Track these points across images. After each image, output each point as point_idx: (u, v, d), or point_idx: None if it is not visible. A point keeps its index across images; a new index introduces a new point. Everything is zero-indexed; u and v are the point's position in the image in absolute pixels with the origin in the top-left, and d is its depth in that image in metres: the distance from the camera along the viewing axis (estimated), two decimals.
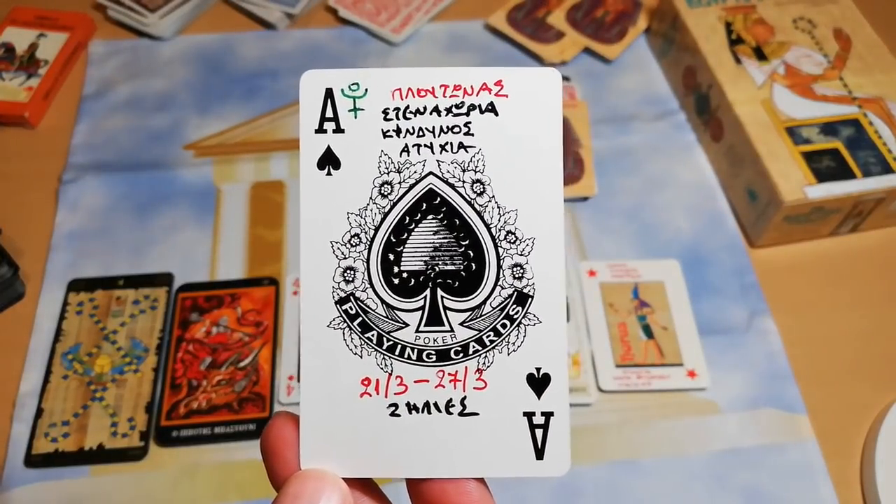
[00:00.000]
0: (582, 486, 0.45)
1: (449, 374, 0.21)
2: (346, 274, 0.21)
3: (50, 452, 0.44)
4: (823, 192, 0.51)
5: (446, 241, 0.22)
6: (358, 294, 0.21)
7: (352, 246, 0.21)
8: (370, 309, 0.21)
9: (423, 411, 0.21)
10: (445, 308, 0.21)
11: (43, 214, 0.55)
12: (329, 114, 0.21)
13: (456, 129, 0.21)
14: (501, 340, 0.21)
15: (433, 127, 0.21)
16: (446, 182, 0.21)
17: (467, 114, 0.21)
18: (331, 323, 0.21)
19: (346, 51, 0.67)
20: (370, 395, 0.21)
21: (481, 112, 0.21)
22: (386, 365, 0.21)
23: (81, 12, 0.67)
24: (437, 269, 0.21)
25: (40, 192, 0.57)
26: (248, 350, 0.49)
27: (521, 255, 0.21)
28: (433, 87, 0.21)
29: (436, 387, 0.21)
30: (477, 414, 0.21)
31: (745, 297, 0.52)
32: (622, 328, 0.50)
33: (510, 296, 0.21)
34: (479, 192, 0.21)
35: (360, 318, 0.21)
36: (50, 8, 0.66)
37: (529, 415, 0.21)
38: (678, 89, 0.64)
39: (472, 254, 0.21)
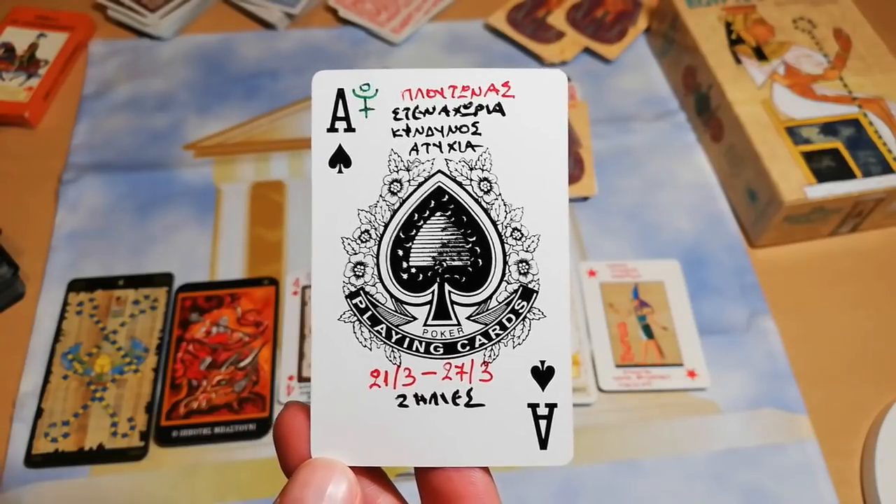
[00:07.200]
0: (582, 486, 0.45)
1: (456, 367, 0.22)
2: (356, 269, 0.22)
3: (50, 452, 0.44)
4: (823, 192, 0.51)
5: (454, 237, 0.22)
6: (368, 289, 0.22)
7: (362, 242, 0.22)
8: (379, 303, 0.22)
9: (430, 402, 0.22)
10: (453, 302, 0.22)
11: (43, 214, 0.55)
12: (340, 113, 0.22)
13: (464, 129, 0.22)
14: (507, 334, 0.22)
15: (442, 126, 0.22)
16: (454, 180, 0.22)
17: (475, 114, 0.22)
18: (341, 316, 0.22)
19: (346, 51, 0.67)
20: (379, 387, 0.22)
21: (489, 112, 0.22)
22: (394, 357, 0.22)
23: (81, 12, 0.67)
24: (445, 265, 0.22)
25: (40, 192, 0.57)
26: (248, 350, 0.49)
27: (526, 251, 0.22)
28: (442, 88, 0.22)
29: (443, 379, 0.22)
30: (483, 405, 0.22)
31: (745, 297, 0.52)
32: (622, 328, 0.50)
33: (516, 291, 0.22)
34: (486, 190, 0.22)
35: (369, 312, 0.22)
36: (50, 8, 0.66)
37: (534, 406, 0.22)
38: (678, 89, 0.64)
39: (478, 250, 0.22)
